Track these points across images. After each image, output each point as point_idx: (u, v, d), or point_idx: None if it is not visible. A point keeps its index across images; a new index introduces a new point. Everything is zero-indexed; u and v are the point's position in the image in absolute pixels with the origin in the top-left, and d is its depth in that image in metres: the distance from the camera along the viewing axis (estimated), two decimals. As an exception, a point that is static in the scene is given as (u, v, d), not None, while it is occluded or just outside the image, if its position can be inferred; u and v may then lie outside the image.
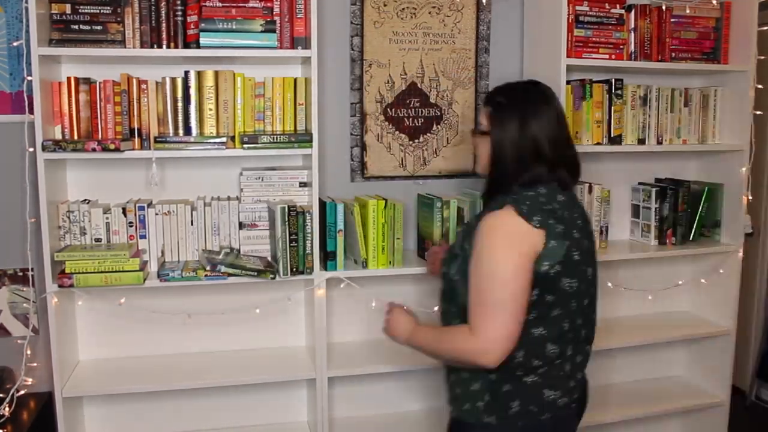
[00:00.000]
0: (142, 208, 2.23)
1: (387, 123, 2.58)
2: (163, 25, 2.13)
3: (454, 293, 1.61)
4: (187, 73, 2.19)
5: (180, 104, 2.20)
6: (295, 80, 2.28)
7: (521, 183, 1.57)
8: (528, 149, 1.57)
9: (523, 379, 1.55)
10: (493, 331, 1.46)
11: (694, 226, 2.77)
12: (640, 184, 2.82)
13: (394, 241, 2.35)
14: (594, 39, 2.47)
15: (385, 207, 2.32)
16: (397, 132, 2.59)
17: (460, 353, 1.53)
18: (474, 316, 1.49)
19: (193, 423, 2.52)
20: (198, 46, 2.14)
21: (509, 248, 1.47)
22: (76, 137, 2.14)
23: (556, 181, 1.59)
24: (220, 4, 2.15)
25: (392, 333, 1.76)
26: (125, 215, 2.22)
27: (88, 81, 2.16)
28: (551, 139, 1.58)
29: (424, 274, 2.47)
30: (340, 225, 2.29)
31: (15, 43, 2.24)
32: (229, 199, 2.36)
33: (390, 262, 2.35)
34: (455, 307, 1.62)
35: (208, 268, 2.15)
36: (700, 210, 2.76)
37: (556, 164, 1.58)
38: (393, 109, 2.58)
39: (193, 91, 2.20)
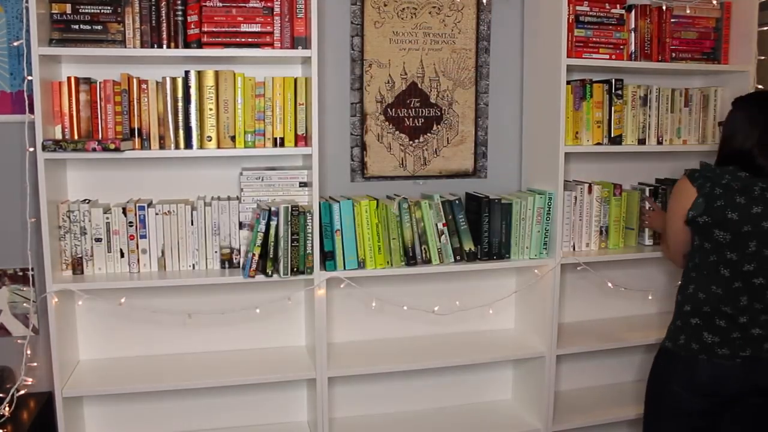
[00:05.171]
0: (142, 208, 2.23)
1: (387, 123, 2.57)
2: (164, 25, 2.13)
3: None
4: (187, 73, 2.19)
5: (180, 104, 2.19)
6: (296, 80, 2.28)
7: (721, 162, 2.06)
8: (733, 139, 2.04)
9: (689, 320, 2.02)
10: (666, 250, 2.29)
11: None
12: (640, 184, 2.82)
13: (390, 241, 2.35)
14: (594, 39, 2.47)
15: (377, 207, 2.32)
16: (397, 132, 2.59)
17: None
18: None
19: (193, 423, 2.52)
20: (198, 46, 2.14)
21: (675, 201, 2.07)
22: (76, 137, 2.14)
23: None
24: (220, 4, 2.15)
25: (652, 225, 2.61)
26: (125, 215, 2.22)
27: (88, 81, 2.16)
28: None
29: (424, 274, 2.47)
30: (337, 225, 2.29)
31: (15, 43, 2.24)
32: (229, 199, 2.35)
33: (387, 262, 2.35)
34: None
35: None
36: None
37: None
38: (393, 109, 2.58)
39: (193, 91, 2.20)
